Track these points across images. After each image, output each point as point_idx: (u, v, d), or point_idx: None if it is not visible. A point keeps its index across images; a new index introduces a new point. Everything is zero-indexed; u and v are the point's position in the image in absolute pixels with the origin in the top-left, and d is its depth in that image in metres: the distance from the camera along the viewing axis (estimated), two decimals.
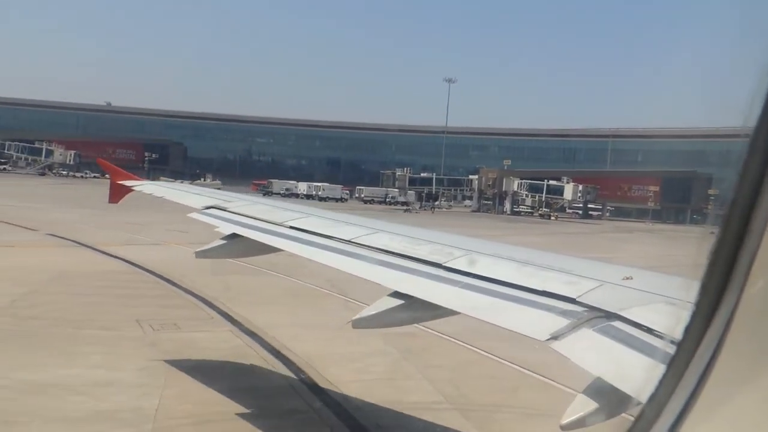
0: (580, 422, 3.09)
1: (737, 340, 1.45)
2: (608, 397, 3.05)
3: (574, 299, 3.91)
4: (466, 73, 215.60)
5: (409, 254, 5.56)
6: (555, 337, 3.55)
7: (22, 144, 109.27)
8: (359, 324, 4.90)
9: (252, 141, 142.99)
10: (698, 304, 1.53)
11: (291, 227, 7.21)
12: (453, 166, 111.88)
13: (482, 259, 5.16)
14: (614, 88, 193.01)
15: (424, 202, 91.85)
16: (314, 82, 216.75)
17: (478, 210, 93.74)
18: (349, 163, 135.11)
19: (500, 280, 4.52)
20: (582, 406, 3.13)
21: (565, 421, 3.09)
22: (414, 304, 4.77)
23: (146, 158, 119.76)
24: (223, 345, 12.38)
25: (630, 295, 3.83)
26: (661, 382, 1.63)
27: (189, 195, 10.74)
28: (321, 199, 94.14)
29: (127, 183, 11.92)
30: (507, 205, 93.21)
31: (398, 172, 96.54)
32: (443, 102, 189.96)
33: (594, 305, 3.77)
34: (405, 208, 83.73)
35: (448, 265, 5.09)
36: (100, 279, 18.34)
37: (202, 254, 7.79)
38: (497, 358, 12.07)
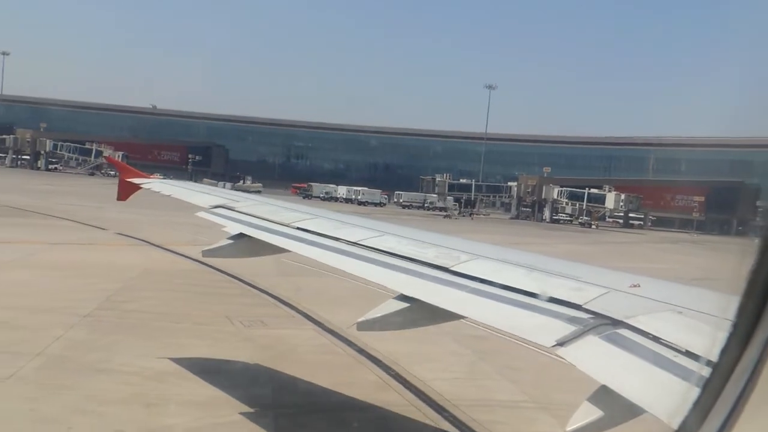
0: (585, 430, 3.08)
1: None
2: (613, 405, 3.03)
3: (581, 306, 3.87)
4: (507, 80, 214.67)
5: (415, 257, 5.53)
6: (561, 344, 3.53)
7: (73, 145, 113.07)
8: (364, 326, 4.87)
9: (291, 144, 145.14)
10: (736, 325, 1.48)
11: (298, 228, 7.20)
12: (491, 173, 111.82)
13: (489, 263, 5.14)
14: (657, 95, 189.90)
15: (462, 209, 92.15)
16: (354, 87, 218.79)
17: (516, 217, 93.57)
18: (387, 168, 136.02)
19: (507, 285, 4.48)
20: (587, 413, 3.11)
21: (570, 428, 3.08)
22: (420, 307, 4.74)
23: (190, 160, 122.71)
24: (311, 342, 13.24)
25: (637, 302, 3.80)
26: (695, 405, 1.59)
27: (196, 194, 10.69)
28: (360, 203, 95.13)
29: (136, 180, 11.92)
30: (546, 213, 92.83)
31: (438, 178, 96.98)
32: (481, 108, 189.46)
33: (600, 312, 3.73)
34: (444, 214, 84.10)
35: (454, 269, 5.06)
36: (180, 277, 19.47)
37: (209, 253, 7.83)
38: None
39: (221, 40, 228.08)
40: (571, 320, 3.73)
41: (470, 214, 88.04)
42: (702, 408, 1.52)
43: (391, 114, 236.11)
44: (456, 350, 13.29)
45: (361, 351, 12.76)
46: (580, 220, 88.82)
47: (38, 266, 18.91)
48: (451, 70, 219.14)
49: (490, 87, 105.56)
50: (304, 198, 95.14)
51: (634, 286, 4.07)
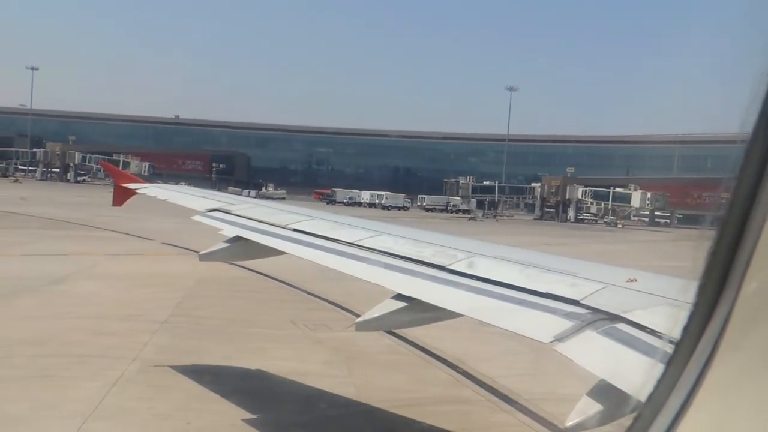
0: (585, 424, 3.12)
1: (735, 339, 1.45)
2: (612, 399, 3.04)
3: (578, 301, 3.89)
4: (527, 80, 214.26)
5: (412, 257, 5.53)
6: (559, 339, 3.56)
7: (101, 157, 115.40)
8: (363, 326, 4.94)
9: (312, 150, 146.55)
10: (696, 305, 1.55)
11: (294, 230, 7.17)
12: (512, 174, 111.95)
13: (485, 261, 5.14)
14: (678, 93, 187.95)
15: (486, 210, 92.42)
16: (373, 91, 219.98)
17: (540, 218, 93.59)
18: (407, 172, 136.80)
19: (503, 283, 4.49)
20: (586, 407, 3.17)
21: (569, 423, 3.12)
22: (417, 306, 4.76)
23: (214, 169, 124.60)
24: (376, 344, 13.89)
25: (633, 297, 3.82)
26: (659, 382, 1.64)
27: (192, 198, 10.69)
28: (384, 207, 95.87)
29: (131, 186, 11.92)
30: (570, 213, 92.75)
31: (461, 181, 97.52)
32: (501, 110, 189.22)
33: (597, 307, 3.75)
34: (469, 216, 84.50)
35: (451, 267, 5.07)
36: (235, 284, 20.25)
37: (206, 257, 7.85)
38: None
39: (240, 49, 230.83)
40: (569, 316, 3.74)
41: (494, 216, 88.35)
42: (667, 383, 1.57)
43: (411, 118, 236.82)
44: (512, 348, 13.87)
45: (425, 351, 13.40)
46: (605, 220, 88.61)
47: (101, 277, 19.84)
48: (471, 72, 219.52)
49: (511, 89, 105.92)
50: (327, 203, 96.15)
51: (631, 280, 4.10)
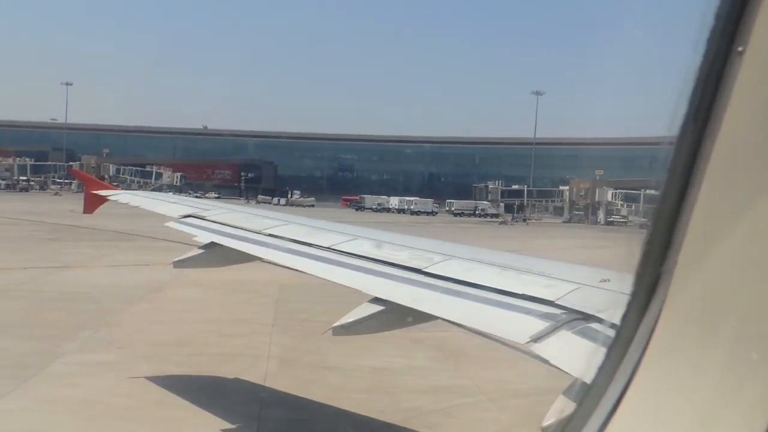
0: (561, 424, 3.10)
1: (669, 324, 1.51)
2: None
3: (553, 302, 3.93)
4: (552, 83, 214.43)
5: (388, 260, 5.52)
6: (535, 340, 3.63)
7: (134, 168, 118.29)
8: (339, 331, 4.95)
9: (338, 157, 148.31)
10: (633, 293, 1.62)
11: (270, 235, 7.13)
12: (538, 177, 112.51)
13: (462, 263, 5.17)
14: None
15: (514, 214, 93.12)
16: (397, 97, 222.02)
17: (569, 221, 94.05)
18: (433, 177, 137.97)
19: (480, 285, 4.51)
20: (562, 407, 3.17)
21: (545, 423, 3.15)
22: (394, 309, 4.75)
23: (242, 177, 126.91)
24: (468, 342, 15.07)
25: (607, 296, 3.83)
26: (600, 369, 1.69)
27: (165, 204, 10.48)
28: (413, 213, 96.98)
29: (102, 192, 11.77)
30: (601, 216, 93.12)
31: (490, 185, 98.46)
32: (523, 111, 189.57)
33: (572, 307, 3.80)
34: (500, 220, 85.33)
35: (427, 270, 5.09)
36: (316, 289, 20.92)
37: (180, 264, 7.72)
38: None
39: (266, 59, 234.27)
40: (544, 316, 3.81)
41: (524, 220, 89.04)
42: (610, 367, 1.64)
43: (435, 123, 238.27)
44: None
45: (515, 348, 14.64)
46: (639, 222, 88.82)
47: (191, 285, 21.30)
48: (496, 77, 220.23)
49: (537, 93, 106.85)
50: (356, 210, 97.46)
51: (604, 280, 4.10)
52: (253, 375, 11.26)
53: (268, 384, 10.85)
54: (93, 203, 11.80)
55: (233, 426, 9.11)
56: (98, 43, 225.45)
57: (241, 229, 7.59)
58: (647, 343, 1.55)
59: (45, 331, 13.84)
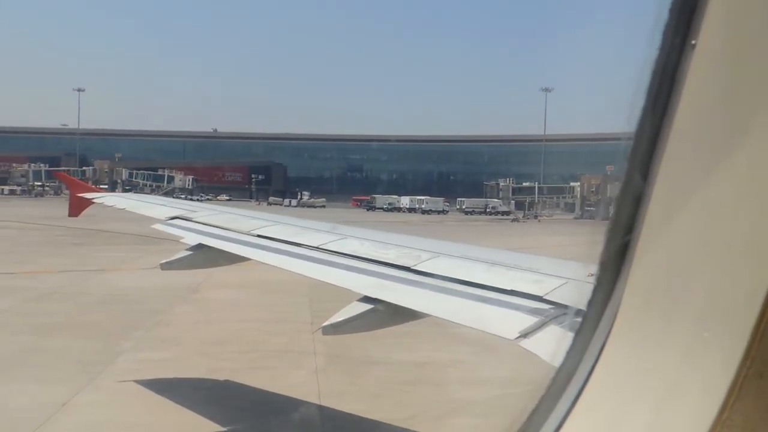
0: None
1: (630, 310, 1.57)
2: None
3: (542, 297, 3.96)
4: (560, 80, 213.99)
5: (377, 258, 5.56)
6: (524, 335, 3.64)
7: (147, 172, 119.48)
8: (329, 331, 4.96)
9: (346, 158, 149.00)
10: (598, 280, 1.69)
11: (258, 236, 7.13)
12: (547, 174, 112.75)
13: (450, 260, 5.22)
14: None
15: (525, 211, 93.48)
16: (405, 96, 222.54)
17: (580, 217, 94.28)
18: (442, 175, 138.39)
19: (468, 281, 4.52)
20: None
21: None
22: (384, 308, 4.77)
23: (253, 179, 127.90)
24: (492, 340, 15.86)
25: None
26: (567, 353, 1.74)
27: (152, 206, 10.45)
28: (424, 212, 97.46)
29: (87, 195, 11.69)
30: (612, 211, 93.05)
31: (501, 183, 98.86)
32: (531, 108, 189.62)
33: (560, 302, 3.83)
34: (512, 218, 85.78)
35: (416, 268, 5.14)
36: (340, 290, 22.38)
37: (167, 266, 7.59)
38: None
39: (273, 61, 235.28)
40: (533, 312, 3.83)
41: (535, 217, 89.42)
42: (577, 350, 1.69)
43: (444, 122, 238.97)
44: None
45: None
46: None
47: (225, 286, 22.01)
48: (504, 74, 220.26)
49: (546, 90, 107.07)
50: (367, 210, 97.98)
51: (591, 275, 4.65)
52: (305, 370, 11.95)
53: (321, 377, 11.53)
54: (78, 206, 11.80)
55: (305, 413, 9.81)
56: (109, 49, 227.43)
57: (229, 230, 7.61)
58: (612, 325, 1.58)
59: (99, 332, 14.61)
